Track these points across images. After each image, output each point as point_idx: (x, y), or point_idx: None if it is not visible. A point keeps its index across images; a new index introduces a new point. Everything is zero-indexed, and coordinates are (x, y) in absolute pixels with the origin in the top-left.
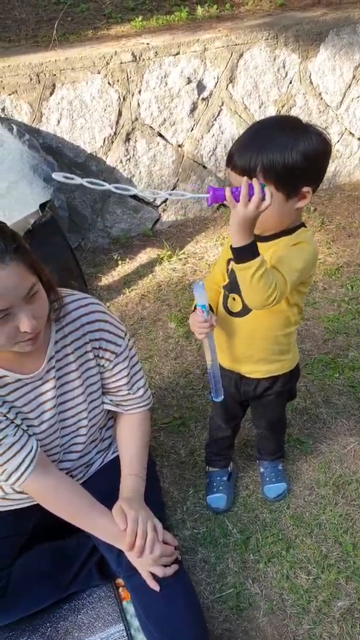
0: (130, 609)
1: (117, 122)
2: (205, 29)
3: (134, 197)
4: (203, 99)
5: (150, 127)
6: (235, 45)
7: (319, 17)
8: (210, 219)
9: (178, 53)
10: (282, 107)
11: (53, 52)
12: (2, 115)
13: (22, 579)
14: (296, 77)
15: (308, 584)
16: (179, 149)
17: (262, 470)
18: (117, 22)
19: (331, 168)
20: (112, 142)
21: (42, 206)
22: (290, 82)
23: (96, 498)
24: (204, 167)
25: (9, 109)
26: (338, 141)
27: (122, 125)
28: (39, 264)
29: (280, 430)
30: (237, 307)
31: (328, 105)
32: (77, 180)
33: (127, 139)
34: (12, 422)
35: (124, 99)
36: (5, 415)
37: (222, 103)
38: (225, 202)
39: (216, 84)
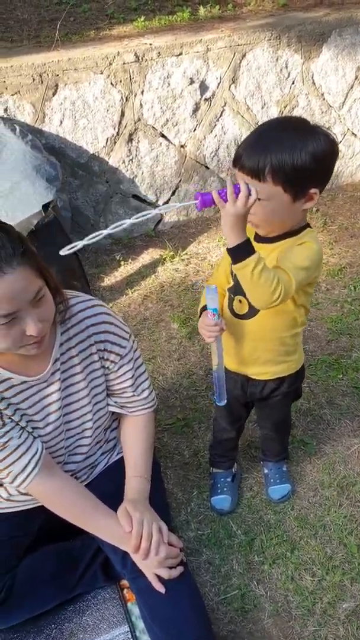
0: (135, 610)
1: (120, 123)
2: (207, 29)
3: (136, 197)
4: (205, 100)
5: (153, 127)
6: (238, 45)
7: (321, 18)
8: (212, 220)
9: (181, 53)
10: (285, 107)
11: (56, 52)
12: (5, 116)
13: (27, 581)
14: (299, 77)
15: (313, 585)
16: (182, 149)
17: (266, 471)
18: (119, 22)
19: None
20: (115, 142)
21: (45, 207)
22: (293, 83)
23: (101, 499)
24: (207, 167)
25: (12, 109)
26: (340, 142)
27: (125, 126)
28: (46, 267)
29: (285, 431)
30: (243, 309)
31: (330, 106)
32: (80, 244)
33: (130, 140)
34: (18, 424)
35: (126, 99)
36: (10, 418)
37: (225, 103)
38: (214, 206)
39: (219, 84)
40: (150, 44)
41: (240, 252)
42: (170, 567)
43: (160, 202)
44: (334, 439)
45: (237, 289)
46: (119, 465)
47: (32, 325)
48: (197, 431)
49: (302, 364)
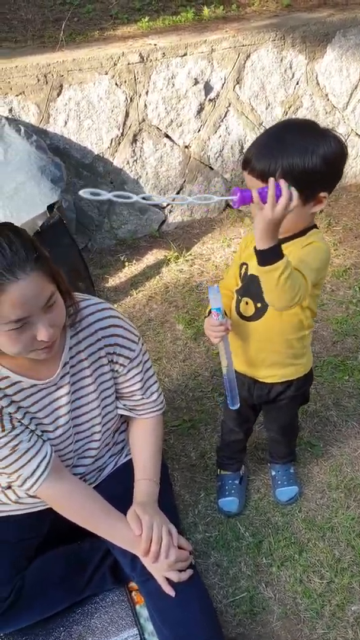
0: (143, 612)
1: (124, 123)
2: (212, 29)
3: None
4: (210, 100)
5: (157, 128)
6: (243, 46)
7: (325, 18)
8: (216, 220)
9: (185, 54)
10: (289, 108)
11: (60, 52)
12: (10, 116)
13: (37, 583)
14: (303, 78)
15: (321, 588)
16: (186, 150)
17: (273, 473)
18: (123, 22)
19: None
20: (119, 143)
21: (50, 207)
22: (297, 83)
23: (109, 501)
24: (211, 168)
25: (17, 110)
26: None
27: (129, 127)
28: (58, 272)
29: (292, 434)
30: (249, 311)
31: (334, 107)
32: (105, 195)
33: (134, 140)
34: (27, 428)
35: (131, 100)
36: (20, 421)
37: (229, 104)
38: (251, 204)
39: (223, 85)
40: (155, 45)
41: (270, 255)
42: (180, 570)
43: (164, 204)
44: (340, 440)
45: (244, 291)
46: (127, 467)
47: (44, 331)
48: (204, 433)
49: (310, 367)
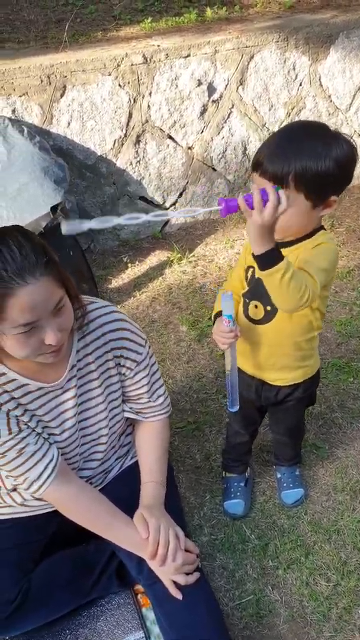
0: (149, 615)
1: (128, 124)
2: (215, 30)
3: (143, 199)
4: (213, 101)
5: (161, 129)
6: (246, 47)
7: (329, 19)
8: (219, 222)
9: (189, 55)
10: (292, 109)
11: (63, 53)
12: (13, 117)
13: (43, 586)
14: (306, 79)
15: (328, 590)
16: (189, 151)
17: (279, 475)
18: (126, 23)
19: None
20: (122, 144)
21: (54, 208)
22: (300, 85)
23: (115, 504)
24: (214, 169)
25: (20, 111)
26: None
27: (133, 127)
28: (67, 276)
29: (298, 437)
30: (259, 314)
31: (337, 108)
32: (87, 224)
33: (137, 141)
34: (34, 431)
35: (134, 100)
36: (26, 424)
37: (233, 105)
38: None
39: (226, 86)
40: (158, 46)
41: (268, 258)
42: (187, 573)
43: (167, 204)
44: (346, 442)
45: (252, 294)
46: (133, 470)
47: (52, 335)
48: (208, 435)
49: (317, 369)
